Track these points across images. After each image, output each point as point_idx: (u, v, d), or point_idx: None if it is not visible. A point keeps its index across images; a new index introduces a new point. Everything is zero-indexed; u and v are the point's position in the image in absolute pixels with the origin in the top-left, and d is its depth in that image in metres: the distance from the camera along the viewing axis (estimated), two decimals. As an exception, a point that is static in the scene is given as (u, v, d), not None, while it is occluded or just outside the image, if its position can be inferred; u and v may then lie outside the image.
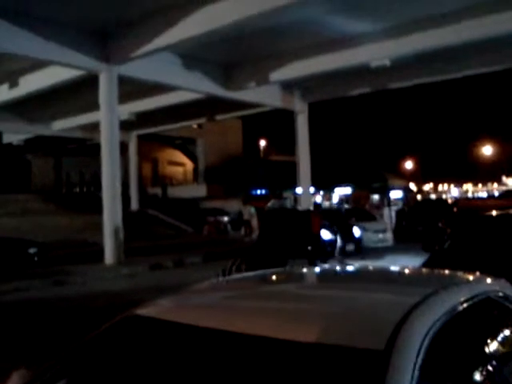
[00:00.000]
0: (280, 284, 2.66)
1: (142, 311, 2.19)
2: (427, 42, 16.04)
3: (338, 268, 3.30)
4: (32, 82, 18.80)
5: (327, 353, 1.61)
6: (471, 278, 2.61)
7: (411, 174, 62.27)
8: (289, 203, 29.07)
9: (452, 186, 78.39)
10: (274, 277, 2.78)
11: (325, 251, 16.01)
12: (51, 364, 2.16)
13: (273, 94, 23.30)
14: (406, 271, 3.19)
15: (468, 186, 79.46)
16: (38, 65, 17.55)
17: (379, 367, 1.52)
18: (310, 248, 16.13)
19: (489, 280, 2.57)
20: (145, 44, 15.03)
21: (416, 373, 1.52)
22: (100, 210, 16.60)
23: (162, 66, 17.71)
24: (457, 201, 28.90)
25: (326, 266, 2.99)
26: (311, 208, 22.75)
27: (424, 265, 5.59)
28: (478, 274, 2.71)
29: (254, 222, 23.89)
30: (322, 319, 1.83)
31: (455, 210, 21.52)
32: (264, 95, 22.76)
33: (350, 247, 16.46)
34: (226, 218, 29.04)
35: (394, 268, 3.28)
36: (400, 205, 30.46)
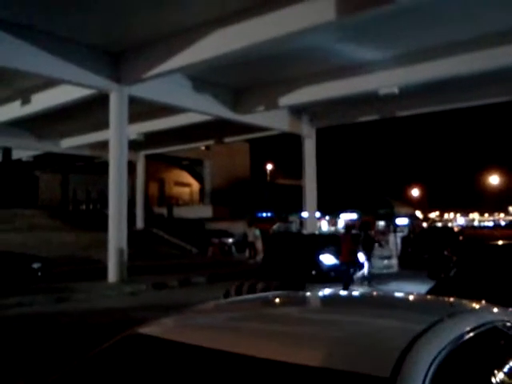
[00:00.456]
0: (285, 307, 2.64)
1: (145, 330, 2.18)
2: (436, 71, 16.15)
3: (343, 293, 3.27)
4: (43, 100, 19.02)
5: (332, 378, 1.59)
6: (478, 306, 2.58)
7: (417, 202, 62.14)
8: (294, 227, 29.02)
9: (458, 214, 78.07)
10: (278, 299, 2.77)
11: (328, 276, 15.92)
12: (52, 381, 2.15)
13: (281, 119, 23.46)
14: (412, 298, 3.16)
15: (474, 215, 79.11)
16: (49, 83, 17.78)
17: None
18: (314, 272, 16.06)
19: (495, 309, 2.54)
20: (156, 65, 15.21)
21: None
22: (105, 227, 16.61)
23: (172, 87, 17.89)
24: (463, 229, 28.77)
25: (333, 290, 2.96)
26: (316, 231, 22.70)
27: (430, 292, 5.55)
28: (484, 302, 2.68)
29: (259, 245, 23.87)
30: (327, 343, 1.82)
31: (461, 238, 21.41)
32: (272, 119, 22.91)
33: (357, 272, 16.33)
34: (230, 240, 28.97)
35: (400, 294, 3.26)
36: (406, 232, 30.30)
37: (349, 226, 17.22)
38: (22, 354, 7.43)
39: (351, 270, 14.55)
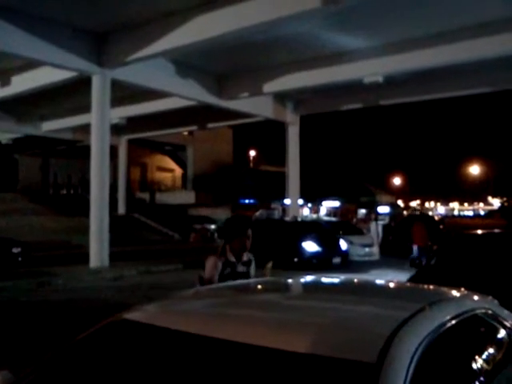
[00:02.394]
0: (269, 293, 2.65)
1: (130, 315, 2.17)
2: (421, 61, 16.24)
3: (327, 280, 3.30)
4: (24, 82, 18.67)
5: (318, 364, 1.61)
6: (459, 294, 2.62)
7: (399, 190, 62.70)
8: (277, 214, 29.13)
9: (439, 203, 78.98)
10: (262, 285, 2.78)
11: (310, 263, 16.04)
12: (34, 367, 2.13)
13: (265, 105, 23.40)
14: (395, 286, 3.20)
15: (454, 205, 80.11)
16: (30, 64, 17.45)
17: (370, 380, 1.52)
18: (296, 259, 16.17)
19: (476, 297, 2.58)
20: (140, 49, 15.03)
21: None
22: (86, 212, 16.49)
23: (156, 71, 17.71)
24: (443, 218, 29.13)
25: (317, 277, 2.98)
26: (298, 218, 22.81)
27: (411, 280, 5.62)
28: (464, 291, 2.73)
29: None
30: (313, 329, 1.83)
31: (442, 227, 21.69)
32: (256, 106, 22.85)
33: (337, 260, 16.47)
34: (213, 226, 28.98)
35: (383, 282, 3.29)
36: (387, 220, 30.61)
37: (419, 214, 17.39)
38: (4, 340, 7.37)
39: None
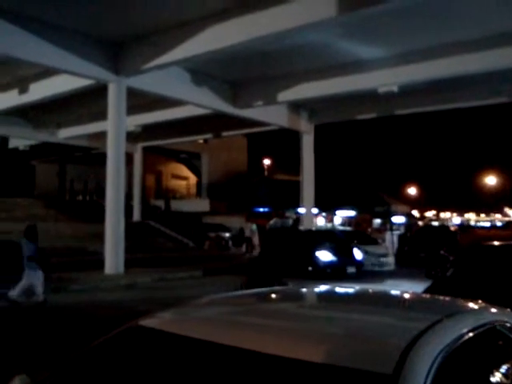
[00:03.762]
0: (284, 302, 2.64)
1: (145, 322, 2.18)
2: (435, 71, 16.18)
3: (343, 290, 3.28)
4: (41, 89, 18.94)
5: (334, 374, 1.60)
6: (476, 306, 2.59)
7: (414, 200, 62.28)
8: (291, 223, 29.02)
9: (454, 214, 78.27)
10: (277, 294, 2.77)
11: (325, 273, 15.96)
12: (50, 373, 2.15)
13: (279, 114, 23.44)
14: (412, 297, 3.17)
15: (470, 215, 79.32)
16: (48, 72, 17.70)
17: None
18: (310, 268, 16.10)
19: (494, 310, 2.55)
20: (155, 57, 15.18)
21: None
22: (101, 218, 16.60)
23: (171, 80, 17.86)
24: (460, 228, 28.84)
25: (332, 287, 2.97)
26: (313, 227, 22.73)
27: (427, 291, 5.57)
28: (482, 303, 2.69)
29: (256, 240, 23.90)
30: (329, 340, 1.82)
31: (459, 238, 21.47)
32: (271, 114, 22.90)
33: (351, 270, 16.36)
34: (227, 234, 28.99)
35: (399, 293, 3.27)
36: (402, 230, 30.39)
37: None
38: (21, 345, 7.43)
39: None
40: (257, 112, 21.86)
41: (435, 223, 47.53)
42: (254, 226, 24.81)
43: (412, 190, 63.97)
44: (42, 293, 10.71)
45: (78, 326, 8.71)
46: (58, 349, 6.80)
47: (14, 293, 10.69)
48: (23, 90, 19.63)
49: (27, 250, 10.88)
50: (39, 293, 10.72)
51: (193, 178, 47.62)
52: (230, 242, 27.82)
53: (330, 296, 2.86)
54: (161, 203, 40.46)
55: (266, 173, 50.73)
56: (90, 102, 21.26)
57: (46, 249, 16.44)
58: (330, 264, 16.34)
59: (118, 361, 2.07)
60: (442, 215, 77.05)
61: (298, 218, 24.14)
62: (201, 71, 18.63)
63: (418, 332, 1.80)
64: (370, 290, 3.21)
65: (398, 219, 37.07)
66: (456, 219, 72.14)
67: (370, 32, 14.99)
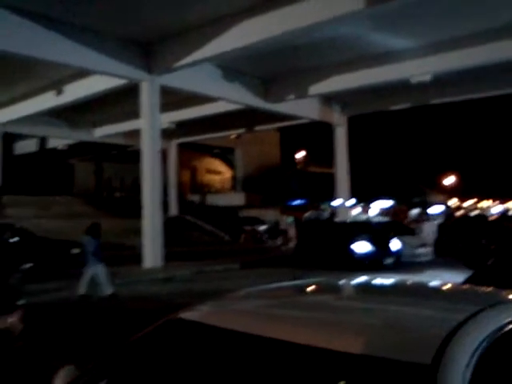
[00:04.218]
0: (322, 294, 2.65)
1: (186, 315, 2.22)
2: (469, 59, 15.84)
3: (381, 281, 3.26)
4: (77, 90, 19.36)
5: (373, 365, 1.60)
6: (519, 296, 2.54)
7: (452, 190, 61.04)
8: (326, 215, 28.90)
9: (494, 203, 76.36)
10: (315, 286, 2.78)
11: (362, 264, 15.84)
12: (94, 364, 2.22)
13: (312, 107, 23.32)
14: (452, 287, 3.13)
15: (511, 204, 77.25)
16: (83, 73, 18.07)
17: (425, 381, 1.51)
18: (347, 260, 15.99)
19: (538, 300, 2.49)
20: (187, 55, 15.30)
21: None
22: (138, 214, 16.88)
23: (203, 77, 17.97)
24: (502, 217, 28.18)
25: (371, 278, 2.96)
26: (348, 219, 22.58)
27: (467, 281, 5.47)
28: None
29: (291, 232, 23.89)
30: (368, 331, 1.82)
31: (500, 227, 20.98)
32: (303, 108, 22.80)
33: (389, 261, 16.19)
34: (263, 227, 29.06)
35: (439, 283, 3.23)
36: (440, 220, 29.86)
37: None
38: (64, 338, 7.65)
39: None
40: (288, 106, 21.80)
41: (474, 212, 46.54)
42: (291, 219, 24.80)
43: (450, 180, 62.70)
44: (106, 286, 11.24)
45: (119, 319, 8.91)
46: (98, 341, 6.97)
47: (80, 288, 11.18)
48: (59, 92, 20.09)
49: (91, 246, 11.38)
50: (103, 286, 11.22)
51: (227, 173, 47.87)
52: (266, 235, 27.88)
53: (367, 287, 2.85)
54: (196, 198, 40.85)
55: (299, 165, 50.55)
56: (124, 100, 21.59)
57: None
58: (366, 255, 16.21)
59: (158, 353, 2.11)
60: (482, 204, 75.31)
61: (333, 211, 23.99)
62: (232, 67, 18.68)
63: (458, 322, 1.78)
64: (409, 281, 3.19)
65: (436, 209, 36.47)
66: (497, 208, 70.41)
67: (401, 23, 14.76)
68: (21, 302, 5.88)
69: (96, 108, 24.16)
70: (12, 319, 5.57)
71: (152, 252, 16.14)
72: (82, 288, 11.19)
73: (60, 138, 32.46)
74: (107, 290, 11.23)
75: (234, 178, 45.52)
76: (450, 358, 1.57)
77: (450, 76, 18.36)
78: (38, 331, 7.46)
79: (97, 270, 11.26)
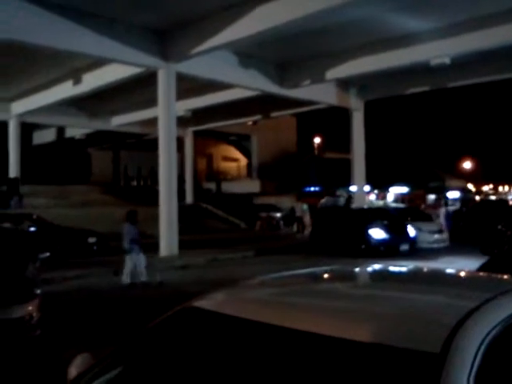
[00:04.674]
0: (335, 282, 2.67)
1: (200, 303, 2.24)
2: (488, 40, 15.54)
3: (393, 268, 3.27)
4: (94, 79, 19.46)
5: (382, 353, 1.62)
6: (533, 284, 2.53)
7: (470, 175, 60.36)
8: (342, 201, 28.80)
9: (512, 187, 75.34)
10: (329, 275, 2.80)
11: (378, 250, 15.81)
12: (110, 352, 2.27)
13: (328, 92, 23.13)
14: (464, 274, 3.13)
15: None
16: (99, 63, 18.15)
17: (434, 370, 1.52)
18: (363, 247, 15.99)
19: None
20: (202, 42, 15.25)
21: (471, 378, 1.51)
22: (156, 202, 17.00)
23: (219, 63, 17.91)
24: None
25: (383, 265, 2.98)
26: (365, 205, 22.47)
27: (482, 268, 5.45)
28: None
29: (307, 219, 23.88)
30: (377, 319, 1.84)
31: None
32: (319, 93, 22.63)
33: (405, 247, 16.14)
34: (278, 214, 29.06)
35: (451, 270, 3.22)
36: (457, 205, 29.59)
37: None
38: (82, 326, 7.78)
39: None
40: (305, 91, 21.65)
41: (492, 197, 45.98)
42: (306, 206, 24.77)
43: (467, 164, 62.03)
44: (145, 273, 11.43)
45: (135, 306, 9.04)
46: (116, 328, 7.08)
47: (124, 277, 11.43)
48: (77, 81, 20.22)
49: (130, 234, 11.56)
50: (144, 273, 11.44)
51: (243, 160, 47.87)
52: (281, 222, 27.90)
53: (380, 275, 2.86)
54: (212, 185, 40.96)
55: (316, 152, 50.35)
56: (141, 89, 21.65)
57: (104, 233, 17.09)
58: (382, 242, 16.18)
59: (173, 341, 2.15)
60: (500, 189, 74.38)
61: (350, 197, 23.86)
62: (248, 53, 18.59)
63: (468, 310, 1.78)
64: (423, 269, 3.19)
65: (453, 194, 36.12)
66: (516, 192, 69.45)
67: (418, 4, 14.52)
68: (38, 291, 5.99)
69: (113, 97, 24.27)
70: (29, 308, 5.66)
71: (168, 240, 16.27)
72: (126, 276, 11.41)
73: (78, 128, 32.73)
74: (145, 277, 11.43)
75: (249, 165, 45.51)
76: (458, 347, 1.58)
77: (469, 58, 18.05)
78: (56, 319, 7.60)
79: (135, 258, 11.44)
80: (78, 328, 7.56)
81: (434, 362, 1.54)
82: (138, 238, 11.66)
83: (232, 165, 47.95)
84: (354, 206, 22.01)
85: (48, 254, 8.27)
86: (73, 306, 9.28)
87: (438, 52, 16.69)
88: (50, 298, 7.07)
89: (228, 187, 39.77)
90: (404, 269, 3.25)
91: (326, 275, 2.80)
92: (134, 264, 11.42)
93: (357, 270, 2.91)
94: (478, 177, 62.39)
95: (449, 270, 3.18)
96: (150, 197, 21.82)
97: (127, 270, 11.42)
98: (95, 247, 15.88)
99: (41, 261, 7.86)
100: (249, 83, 20.05)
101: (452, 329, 1.65)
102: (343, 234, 16.62)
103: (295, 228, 24.96)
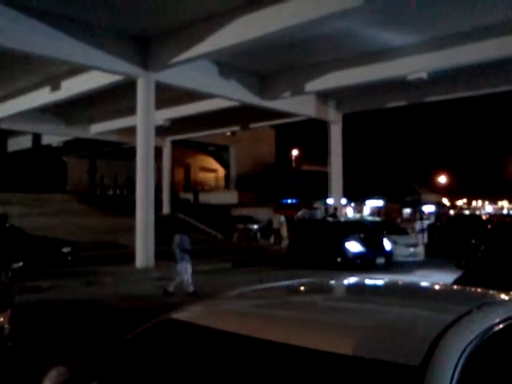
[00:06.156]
0: (314, 295, 2.67)
1: (177, 315, 2.22)
2: (466, 56, 15.87)
3: (371, 281, 3.29)
4: (72, 86, 19.23)
5: (362, 366, 1.62)
6: (508, 297, 2.56)
7: (444, 189, 61.31)
8: (319, 214, 28.92)
9: (486, 202, 76.73)
10: (307, 287, 2.80)
11: (354, 263, 15.90)
12: (85, 365, 2.22)
13: (307, 104, 23.32)
14: (440, 288, 3.16)
15: (503, 203, 77.63)
16: (78, 69, 17.98)
17: (415, 383, 1.53)
18: (339, 259, 16.06)
19: (526, 301, 2.52)
20: (183, 52, 15.26)
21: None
22: (132, 212, 16.84)
23: (199, 73, 17.92)
24: (491, 217, 28.32)
25: (360, 278, 3.00)
26: (341, 218, 22.58)
27: (457, 282, 5.52)
28: (513, 293, 2.66)
29: (284, 231, 23.92)
30: (357, 332, 1.84)
31: (489, 226, 21.08)
32: (299, 105, 22.80)
33: (381, 260, 16.26)
34: (255, 226, 29.08)
35: (428, 284, 3.26)
36: (432, 219, 29.97)
37: None
38: (56, 338, 7.63)
39: None
40: (284, 103, 21.80)
41: (466, 212, 46.73)
42: (283, 218, 24.82)
43: (442, 179, 62.96)
44: (191, 283, 11.48)
45: (109, 318, 8.90)
46: (91, 341, 6.97)
47: (189, 287, 11.46)
48: (55, 88, 19.99)
49: (181, 243, 11.75)
50: (189, 283, 11.47)
51: (221, 171, 47.85)
52: (259, 234, 27.91)
53: (357, 288, 2.87)
54: (190, 196, 40.79)
55: (294, 164, 50.61)
56: (120, 97, 21.52)
57: (79, 243, 16.85)
58: (359, 255, 16.28)
59: (150, 353, 2.12)
60: (474, 203, 75.65)
61: (336, 209, 23.85)
62: (228, 64, 18.66)
63: (446, 324, 1.80)
64: (399, 282, 3.21)
65: (428, 208, 36.57)
66: (488, 207, 70.75)
67: (398, 19, 14.77)
68: (10, 302, 5.84)
69: (92, 104, 24.07)
70: (0, 319, 5.51)
71: (144, 251, 16.09)
72: (189, 286, 11.44)
73: (55, 135, 32.28)
74: (190, 287, 11.44)
75: (227, 175, 45.50)
76: (437, 360, 1.59)
77: (445, 73, 18.40)
78: (29, 331, 7.44)
79: (185, 268, 11.51)
80: (52, 340, 7.40)
81: (414, 374, 1.54)
82: (189, 247, 11.82)
83: (210, 175, 47.87)
84: (331, 218, 22.06)
85: (21, 263, 8.11)
86: (46, 318, 9.09)
87: (415, 67, 16.99)
88: (22, 308, 6.91)
89: (205, 198, 39.66)
90: (382, 282, 3.27)
91: (304, 288, 2.80)
92: (185, 274, 11.50)
93: (335, 282, 2.91)
94: (452, 191, 63.39)
95: (425, 284, 3.21)
96: (126, 207, 21.62)
97: (188, 278, 11.47)
98: (69, 257, 15.63)
99: (13, 271, 7.70)
100: (229, 94, 20.09)
101: (432, 342, 1.66)
102: (320, 246, 16.69)
103: (272, 240, 24.98)
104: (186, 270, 11.50)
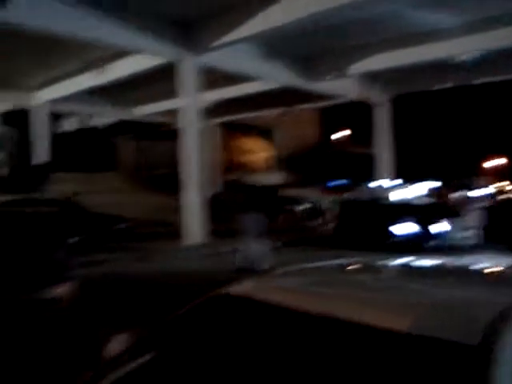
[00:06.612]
0: (372, 274, 2.64)
1: (232, 290, 2.24)
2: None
3: (423, 262, 3.23)
4: (118, 69, 19.58)
5: (421, 344, 1.61)
6: None
7: (502, 171, 59.27)
8: (366, 195, 28.53)
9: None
10: (364, 266, 2.77)
11: (403, 245, 15.63)
12: (144, 336, 2.28)
13: (352, 86, 23.00)
14: (495, 270, 3.08)
15: None
16: (123, 53, 18.26)
17: (472, 362, 1.50)
18: (388, 241, 15.82)
19: None
20: (226, 34, 15.27)
21: (511, 371, 1.49)
22: (178, 191, 17.14)
23: (242, 56, 17.93)
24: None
25: (415, 258, 2.96)
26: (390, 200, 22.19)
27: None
28: None
29: (331, 213, 23.71)
30: (416, 310, 1.82)
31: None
32: (343, 87, 22.52)
33: (432, 243, 15.93)
34: (302, 207, 28.94)
35: (482, 266, 3.18)
36: (488, 202, 29.07)
37: None
38: (112, 310, 7.84)
39: None
40: (329, 85, 21.55)
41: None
42: (331, 199, 24.64)
43: (498, 161, 60.84)
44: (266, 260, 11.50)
45: (162, 293, 9.09)
46: (142, 316, 7.11)
47: (265, 263, 11.39)
48: (100, 71, 20.36)
49: (258, 223, 11.96)
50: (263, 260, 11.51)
51: (267, 152, 47.79)
52: (305, 215, 27.77)
53: (415, 269, 2.83)
54: (235, 177, 40.97)
55: (339, 145, 50.00)
56: (164, 79, 21.70)
57: (129, 220, 17.28)
58: (408, 237, 16.00)
59: (205, 327, 2.15)
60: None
61: (374, 191, 23.61)
62: (272, 46, 18.51)
63: (507, 304, 1.76)
64: (453, 264, 3.15)
65: (484, 191, 35.46)
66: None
67: (446, 0, 14.29)
68: (70, 274, 6.06)
69: (137, 87, 24.41)
70: (59, 290, 5.75)
71: (192, 229, 16.47)
72: (266, 262, 11.39)
73: (102, 117, 33.05)
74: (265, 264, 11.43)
75: (273, 156, 45.44)
76: (496, 341, 1.56)
77: (495, 54, 17.72)
78: (86, 302, 7.69)
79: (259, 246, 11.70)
80: (109, 312, 7.61)
81: (473, 354, 1.52)
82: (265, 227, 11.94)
83: (256, 157, 47.90)
84: (379, 199, 21.65)
85: (77, 238, 8.35)
86: (103, 290, 9.35)
87: (463, 48, 16.50)
88: (79, 281, 7.12)
89: (252, 179, 39.76)
90: (435, 263, 3.21)
91: (361, 267, 2.77)
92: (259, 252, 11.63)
93: (392, 263, 2.88)
94: (508, 174, 61.19)
95: (484, 266, 3.13)
96: (174, 186, 21.96)
97: (267, 254, 11.61)
98: (123, 233, 16.12)
99: (70, 245, 7.94)
100: (272, 76, 20.08)
101: (491, 322, 1.63)
102: (368, 228, 16.50)
103: (320, 221, 24.85)
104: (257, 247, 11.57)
